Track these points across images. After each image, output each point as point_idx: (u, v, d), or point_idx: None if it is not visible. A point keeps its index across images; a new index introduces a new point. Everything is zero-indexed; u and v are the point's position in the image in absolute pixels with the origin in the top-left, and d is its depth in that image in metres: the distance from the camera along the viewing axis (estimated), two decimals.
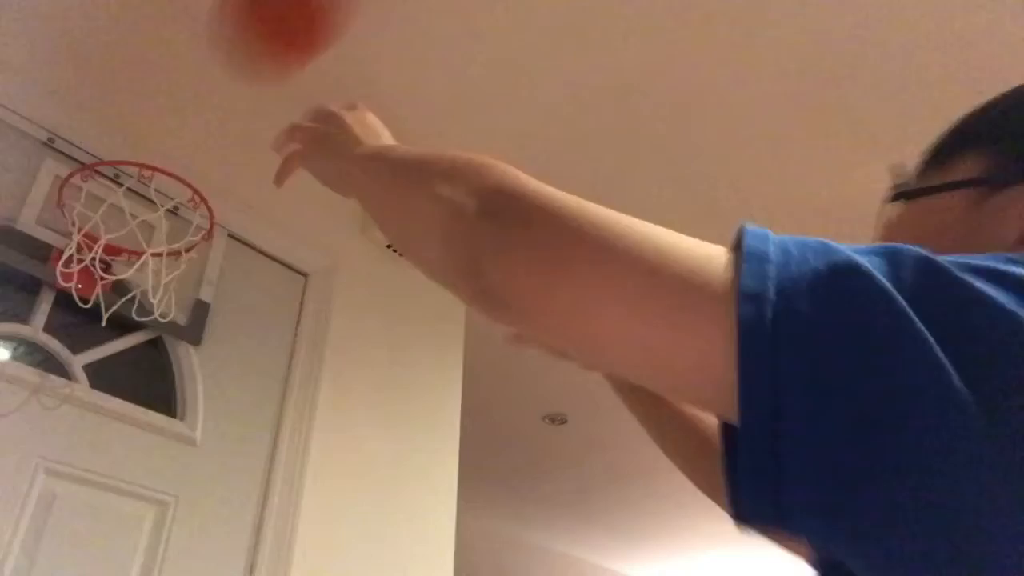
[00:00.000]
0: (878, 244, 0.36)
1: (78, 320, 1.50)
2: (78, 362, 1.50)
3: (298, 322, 1.96)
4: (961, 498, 0.29)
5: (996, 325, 0.30)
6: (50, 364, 1.46)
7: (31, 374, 1.41)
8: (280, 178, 0.76)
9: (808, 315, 0.32)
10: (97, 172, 1.60)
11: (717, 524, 5.12)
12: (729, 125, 2.21)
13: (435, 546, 1.96)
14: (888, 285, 0.32)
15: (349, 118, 0.68)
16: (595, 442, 4.06)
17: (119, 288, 1.55)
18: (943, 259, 0.33)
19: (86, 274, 1.47)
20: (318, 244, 2.06)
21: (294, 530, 1.65)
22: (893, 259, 0.34)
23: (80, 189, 1.54)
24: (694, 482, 0.72)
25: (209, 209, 1.66)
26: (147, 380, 1.64)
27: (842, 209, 2.47)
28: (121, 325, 1.58)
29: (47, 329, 1.48)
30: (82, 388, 1.48)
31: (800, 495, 0.31)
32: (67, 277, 1.43)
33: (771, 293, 0.33)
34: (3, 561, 1.27)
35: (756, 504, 0.32)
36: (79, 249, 1.47)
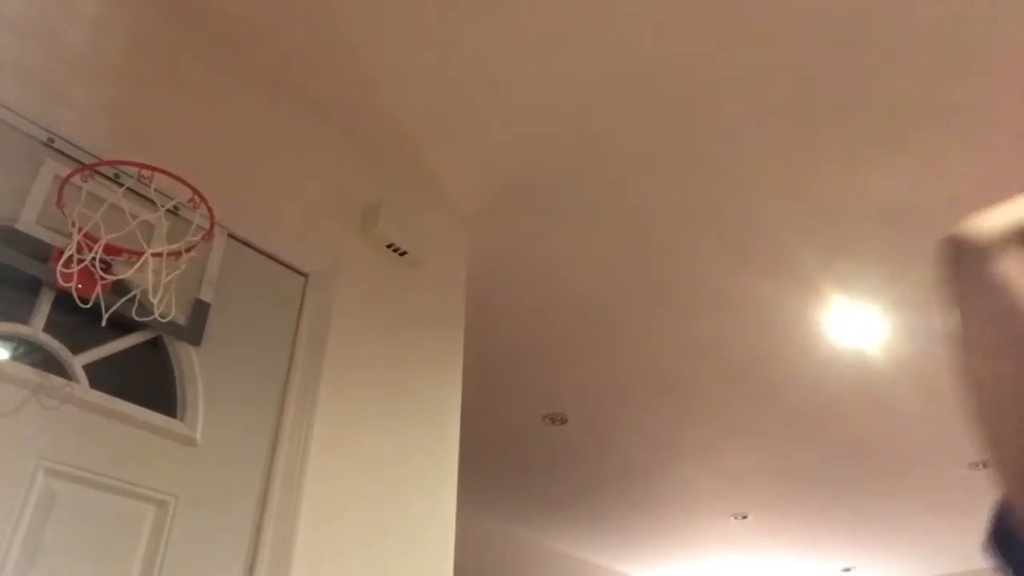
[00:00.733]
0: None
1: (78, 320, 1.50)
2: (78, 362, 1.50)
3: (298, 322, 1.96)
4: None
5: None
6: (50, 364, 1.46)
7: (31, 374, 1.40)
8: None
9: None
10: (97, 172, 1.59)
11: (717, 524, 5.12)
12: (734, 124, 2.21)
13: (435, 546, 1.96)
14: None
15: None
16: (595, 442, 4.06)
17: (119, 288, 1.55)
18: None
19: (86, 274, 1.47)
20: (318, 244, 2.06)
21: (294, 530, 1.65)
22: None
23: (80, 189, 1.54)
24: None
25: (209, 209, 1.66)
26: (147, 380, 1.64)
27: (846, 207, 2.47)
28: (121, 325, 1.58)
29: (47, 329, 1.47)
30: (82, 388, 1.48)
31: None
32: (67, 277, 1.43)
33: None
34: (3, 561, 1.27)
35: None
36: (79, 249, 1.47)
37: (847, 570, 5.85)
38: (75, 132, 1.62)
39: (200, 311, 1.72)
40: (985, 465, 4.02)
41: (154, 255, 1.57)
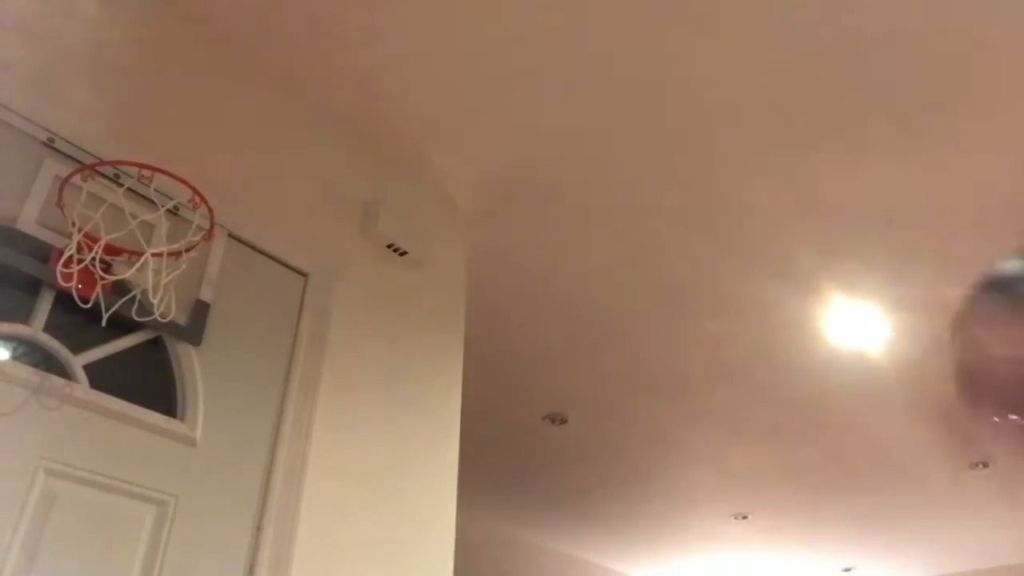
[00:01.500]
0: None
1: (78, 320, 1.50)
2: (78, 362, 1.50)
3: (298, 322, 1.96)
4: None
5: None
6: (50, 364, 1.46)
7: (31, 374, 1.40)
8: None
9: None
10: (97, 172, 1.59)
11: (717, 524, 5.12)
12: (734, 123, 2.21)
13: (435, 546, 1.96)
14: None
15: None
16: (595, 442, 4.06)
17: (119, 288, 1.55)
18: None
19: (86, 274, 1.47)
20: (318, 244, 2.06)
21: (294, 530, 1.65)
22: None
23: (80, 189, 1.54)
24: None
25: (209, 209, 1.66)
26: (147, 380, 1.64)
27: (847, 207, 2.47)
28: (121, 325, 1.58)
29: (47, 329, 1.47)
30: (82, 388, 1.48)
31: None
32: (67, 277, 1.43)
33: None
34: (3, 561, 1.27)
35: None
36: (79, 249, 1.47)
37: (847, 570, 5.85)
38: (75, 132, 1.62)
39: (200, 311, 1.72)
40: (985, 465, 4.02)
41: (154, 255, 1.57)
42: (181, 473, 1.56)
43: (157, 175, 1.59)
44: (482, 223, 2.59)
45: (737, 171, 2.36)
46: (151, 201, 1.63)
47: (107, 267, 1.52)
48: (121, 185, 1.58)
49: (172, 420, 1.61)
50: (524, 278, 2.88)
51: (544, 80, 2.10)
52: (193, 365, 1.68)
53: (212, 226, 1.68)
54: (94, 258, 1.47)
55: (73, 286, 1.43)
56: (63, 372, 1.47)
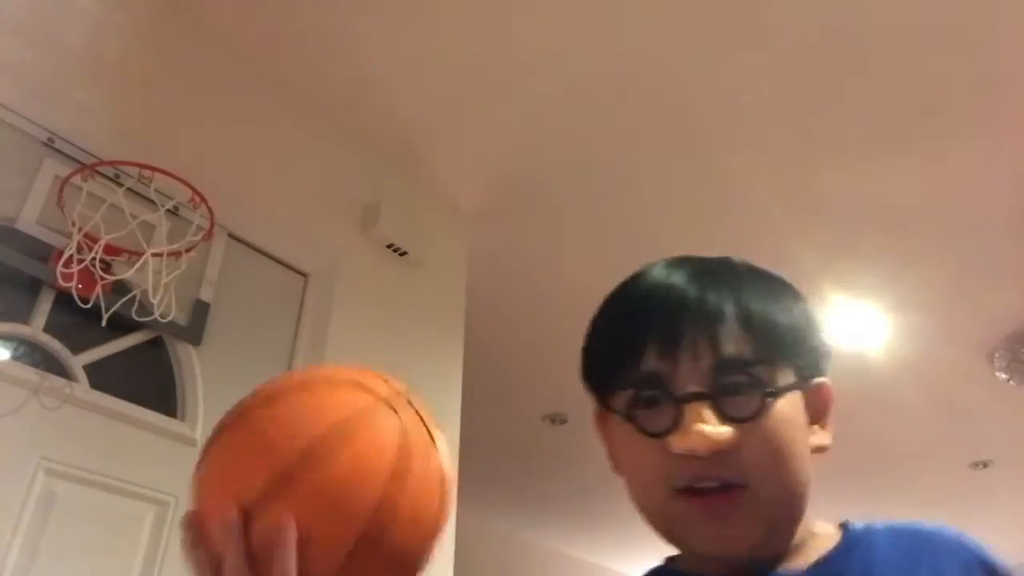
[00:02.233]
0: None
1: (78, 320, 1.50)
2: (78, 362, 1.50)
3: (298, 322, 1.96)
4: None
5: None
6: (50, 364, 1.46)
7: (31, 374, 1.40)
8: None
9: None
10: (97, 172, 1.59)
11: None
12: (731, 123, 2.21)
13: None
14: None
15: None
16: (595, 442, 4.06)
17: (119, 288, 1.55)
18: None
19: (86, 274, 1.47)
20: (318, 244, 2.06)
21: None
22: None
23: (80, 189, 1.54)
24: None
25: (209, 209, 1.66)
26: (147, 380, 1.64)
27: (846, 207, 2.47)
28: (121, 325, 1.58)
29: (47, 329, 1.47)
30: (82, 388, 1.48)
31: None
32: (67, 277, 1.43)
33: None
34: (3, 561, 1.27)
35: None
36: (79, 249, 1.47)
37: None
38: (75, 132, 1.62)
39: (200, 311, 1.72)
40: (985, 465, 4.02)
41: (154, 255, 1.57)
42: (181, 473, 1.56)
43: (157, 175, 1.59)
44: (482, 223, 2.59)
45: (737, 172, 2.36)
46: (151, 201, 1.63)
47: (107, 267, 1.52)
48: (121, 185, 1.58)
49: (172, 420, 1.61)
50: (524, 278, 2.88)
51: (544, 81, 2.10)
52: (193, 365, 1.68)
53: (212, 226, 1.69)
54: (94, 258, 1.47)
55: (73, 286, 1.43)
56: (63, 372, 1.47)
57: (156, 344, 1.67)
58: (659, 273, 0.58)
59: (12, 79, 1.55)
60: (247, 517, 0.52)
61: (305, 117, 2.18)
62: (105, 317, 1.49)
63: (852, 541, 0.59)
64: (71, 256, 1.45)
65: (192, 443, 1.61)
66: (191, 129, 1.86)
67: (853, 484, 4.41)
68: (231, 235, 1.87)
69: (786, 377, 0.54)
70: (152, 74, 1.85)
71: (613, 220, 2.58)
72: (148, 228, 1.63)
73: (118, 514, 1.46)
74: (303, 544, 0.50)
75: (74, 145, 1.62)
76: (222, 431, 0.61)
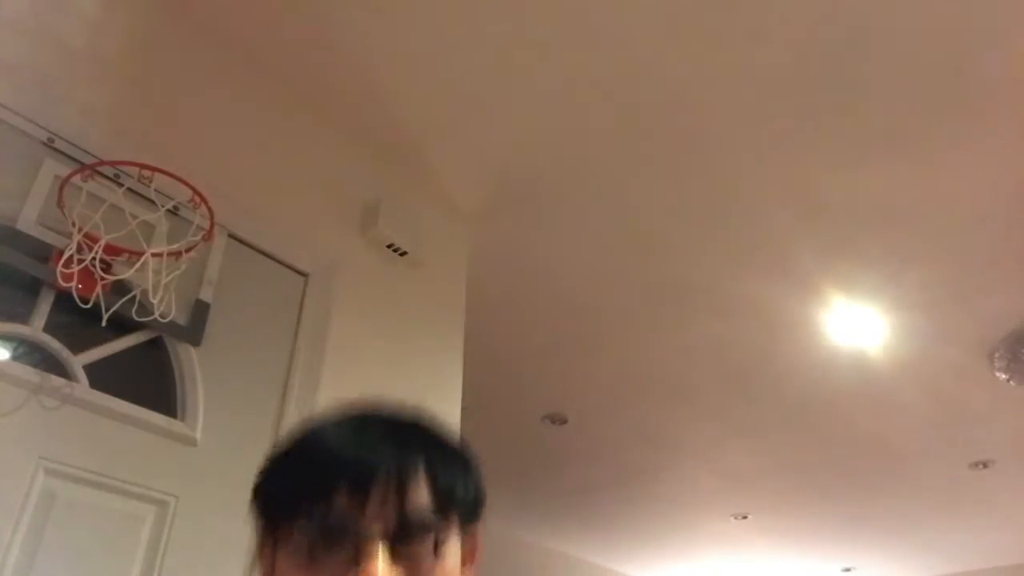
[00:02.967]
0: None
1: (78, 320, 1.50)
2: (78, 362, 1.50)
3: (298, 322, 1.96)
4: None
5: None
6: (50, 364, 1.46)
7: (31, 374, 1.40)
8: None
9: None
10: (97, 172, 1.59)
11: (717, 524, 5.12)
12: (731, 123, 2.21)
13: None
14: None
15: None
16: (595, 442, 4.06)
17: (119, 288, 1.55)
18: None
19: (86, 274, 1.47)
20: (318, 244, 2.06)
21: None
22: None
23: (80, 189, 1.54)
24: None
25: (209, 209, 1.66)
26: (147, 380, 1.64)
27: (847, 207, 2.47)
28: (121, 325, 1.57)
29: (47, 329, 1.47)
30: (82, 388, 1.48)
31: None
32: (67, 277, 1.43)
33: None
34: (3, 561, 1.27)
35: None
36: (79, 249, 1.47)
37: (847, 570, 5.85)
38: (75, 132, 1.62)
39: (200, 311, 1.72)
40: (985, 465, 4.02)
41: (154, 255, 1.57)
42: (181, 473, 1.56)
43: (157, 175, 1.59)
44: (482, 223, 2.59)
45: (737, 171, 2.36)
46: (151, 201, 1.62)
47: (107, 267, 1.52)
48: (121, 185, 1.58)
49: (172, 420, 1.61)
50: (524, 278, 2.88)
51: (544, 80, 2.10)
52: (193, 365, 1.68)
53: (212, 226, 1.68)
54: (94, 258, 1.47)
55: (73, 286, 1.43)
56: (63, 372, 1.47)
57: (156, 344, 1.67)
58: (354, 429, 0.64)
59: (12, 79, 1.55)
60: None
61: (305, 117, 2.18)
62: (105, 317, 1.49)
63: None
64: (71, 256, 1.45)
65: (192, 443, 1.61)
66: (191, 129, 1.86)
67: (853, 484, 4.42)
68: (231, 235, 1.87)
69: (453, 526, 0.62)
70: (152, 74, 1.85)
71: (613, 220, 2.58)
72: (148, 228, 1.63)
73: (118, 514, 1.46)
74: None
75: (74, 145, 1.62)
76: None
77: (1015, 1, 1.81)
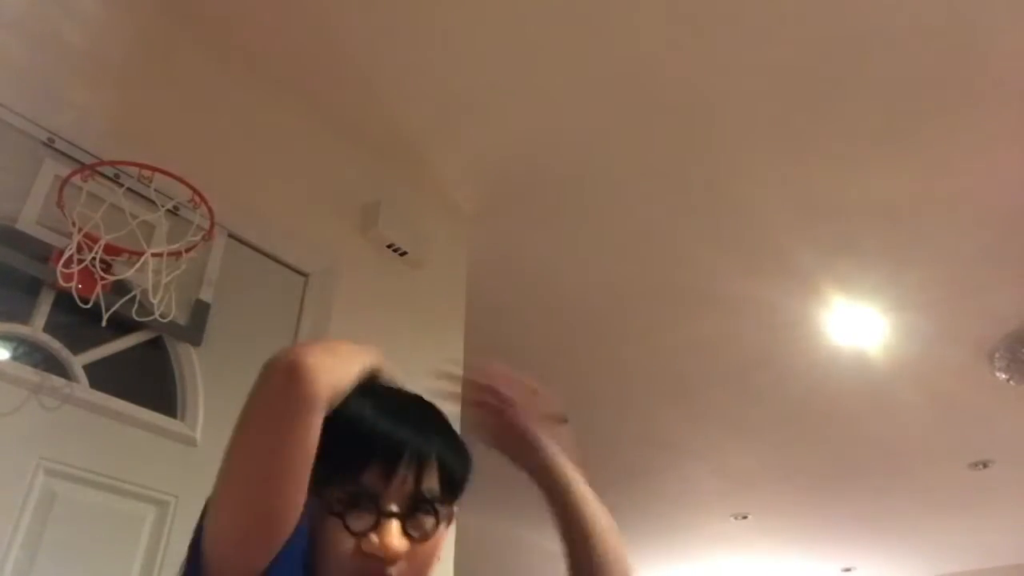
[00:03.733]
0: None
1: (78, 320, 1.50)
2: (78, 362, 1.50)
3: (298, 322, 1.96)
4: None
5: None
6: (50, 364, 1.46)
7: (31, 374, 1.40)
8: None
9: None
10: (97, 172, 1.59)
11: (717, 525, 5.12)
12: (734, 122, 2.21)
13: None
14: None
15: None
16: (595, 442, 4.06)
17: (119, 288, 1.55)
18: None
19: (86, 274, 1.47)
20: (318, 244, 2.06)
21: None
22: None
23: (80, 189, 1.54)
24: None
25: (209, 209, 1.66)
26: (147, 380, 1.64)
27: (847, 206, 2.47)
28: (121, 325, 1.58)
29: (47, 329, 1.47)
30: (82, 388, 1.48)
31: None
32: (67, 277, 1.43)
33: None
34: (3, 561, 1.27)
35: None
36: (79, 249, 1.47)
37: (847, 570, 5.85)
38: (75, 132, 1.62)
39: (200, 311, 1.72)
40: (985, 465, 4.02)
41: (154, 255, 1.57)
42: (181, 473, 1.56)
43: (157, 175, 1.59)
44: (482, 223, 2.59)
45: (737, 171, 2.36)
46: (151, 201, 1.63)
47: (107, 267, 1.52)
48: (121, 185, 1.58)
49: (172, 420, 1.61)
50: (524, 278, 2.88)
51: (543, 81, 2.10)
52: (193, 365, 1.68)
53: (212, 226, 1.68)
54: (94, 258, 1.47)
55: (73, 286, 1.43)
56: (63, 372, 1.47)
57: (156, 344, 1.67)
58: (387, 414, 0.74)
59: (12, 79, 1.55)
60: None
61: (305, 117, 2.18)
62: (105, 317, 1.49)
63: None
64: (71, 256, 1.45)
65: (192, 443, 1.61)
66: (191, 129, 1.86)
67: (853, 484, 4.42)
68: (231, 235, 1.87)
69: (450, 508, 0.75)
70: (152, 74, 1.85)
71: (613, 220, 2.58)
72: (148, 228, 1.63)
73: (118, 514, 1.46)
74: None
75: (74, 145, 1.62)
76: None
77: (1015, 1, 1.81)
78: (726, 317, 3.00)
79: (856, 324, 2.98)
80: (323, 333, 1.94)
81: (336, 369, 0.69)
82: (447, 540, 0.77)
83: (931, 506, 4.64)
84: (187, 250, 1.63)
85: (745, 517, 4.99)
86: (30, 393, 1.39)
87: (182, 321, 1.68)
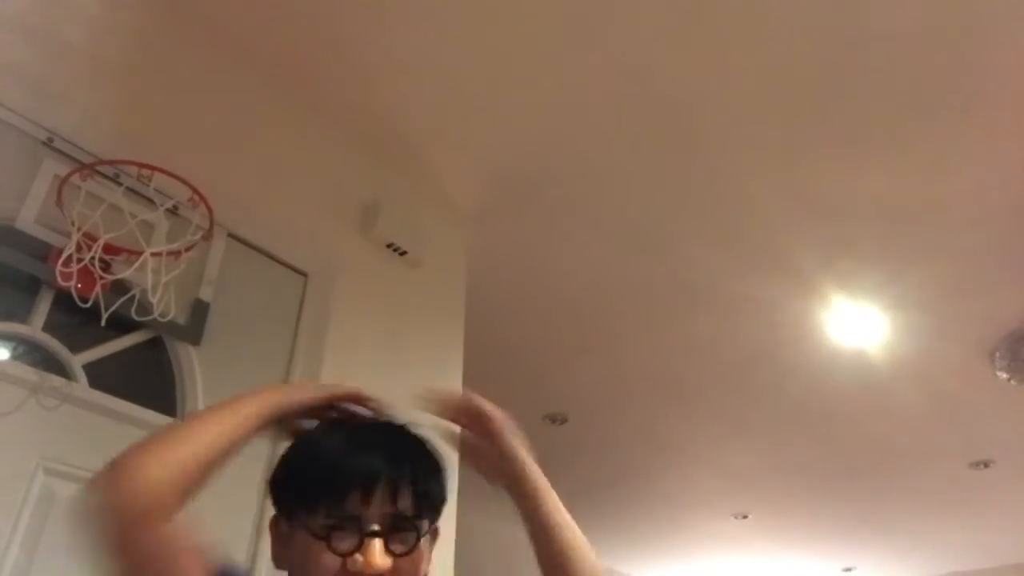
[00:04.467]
0: None
1: (78, 320, 1.50)
2: (78, 362, 1.50)
3: (298, 321, 1.96)
4: None
5: None
6: (50, 364, 1.46)
7: (31, 374, 1.40)
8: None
9: None
10: (97, 172, 1.59)
11: (717, 524, 5.12)
12: (731, 122, 2.21)
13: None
14: None
15: None
16: (595, 442, 4.06)
17: (119, 287, 1.55)
18: None
19: (86, 273, 1.47)
20: (318, 244, 2.06)
21: None
22: None
23: (79, 189, 1.54)
24: None
25: (209, 209, 1.65)
26: (147, 380, 1.64)
27: (847, 206, 2.47)
28: (121, 325, 1.57)
29: (47, 329, 1.47)
30: (82, 388, 1.48)
31: None
32: (66, 276, 1.43)
33: None
34: (3, 561, 1.27)
35: None
36: (79, 248, 1.47)
37: (847, 570, 5.85)
38: (75, 132, 1.61)
39: (200, 311, 1.72)
40: (986, 465, 4.02)
41: (154, 255, 1.56)
42: None
43: (157, 174, 1.59)
44: (482, 223, 2.59)
45: (737, 171, 2.36)
46: (150, 200, 1.62)
47: (106, 266, 1.52)
48: (120, 184, 1.58)
49: (172, 420, 1.61)
50: (524, 278, 2.88)
51: (543, 81, 2.10)
52: (193, 365, 1.68)
53: (212, 226, 1.68)
54: (93, 257, 1.47)
55: (72, 285, 1.43)
56: (62, 371, 1.47)
57: (156, 344, 1.67)
58: (359, 444, 0.81)
59: (12, 79, 1.55)
60: None
61: (305, 117, 2.18)
62: (104, 317, 1.49)
63: None
64: (70, 255, 1.45)
65: None
66: (191, 129, 1.86)
67: (853, 484, 4.42)
68: (231, 235, 1.87)
69: (426, 525, 0.80)
70: (152, 74, 1.85)
71: (613, 220, 2.58)
72: (147, 227, 1.63)
73: None
74: None
75: (74, 145, 1.61)
76: None
77: (1015, 1, 1.81)
78: (726, 316, 3.00)
79: (856, 323, 2.98)
80: (323, 333, 1.94)
81: (167, 463, 0.73)
82: (432, 555, 0.84)
83: (931, 506, 4.64)
84: (186, 249, 1.63)
85: (745, 516, 4.99)
86: (29, 393, 1.39)
87: (181, 320, 1.68)
